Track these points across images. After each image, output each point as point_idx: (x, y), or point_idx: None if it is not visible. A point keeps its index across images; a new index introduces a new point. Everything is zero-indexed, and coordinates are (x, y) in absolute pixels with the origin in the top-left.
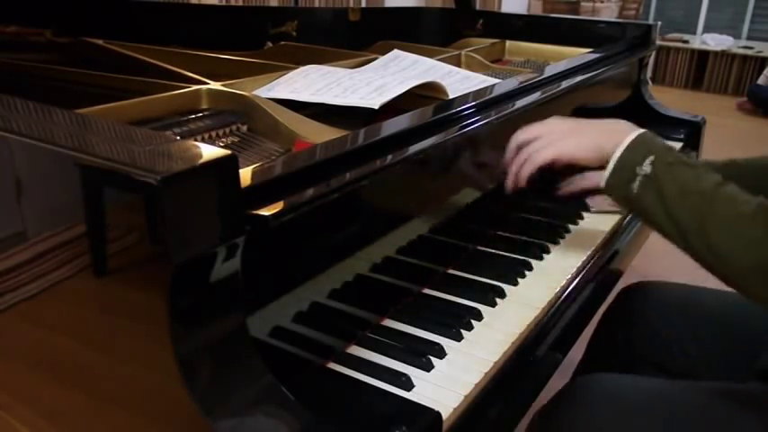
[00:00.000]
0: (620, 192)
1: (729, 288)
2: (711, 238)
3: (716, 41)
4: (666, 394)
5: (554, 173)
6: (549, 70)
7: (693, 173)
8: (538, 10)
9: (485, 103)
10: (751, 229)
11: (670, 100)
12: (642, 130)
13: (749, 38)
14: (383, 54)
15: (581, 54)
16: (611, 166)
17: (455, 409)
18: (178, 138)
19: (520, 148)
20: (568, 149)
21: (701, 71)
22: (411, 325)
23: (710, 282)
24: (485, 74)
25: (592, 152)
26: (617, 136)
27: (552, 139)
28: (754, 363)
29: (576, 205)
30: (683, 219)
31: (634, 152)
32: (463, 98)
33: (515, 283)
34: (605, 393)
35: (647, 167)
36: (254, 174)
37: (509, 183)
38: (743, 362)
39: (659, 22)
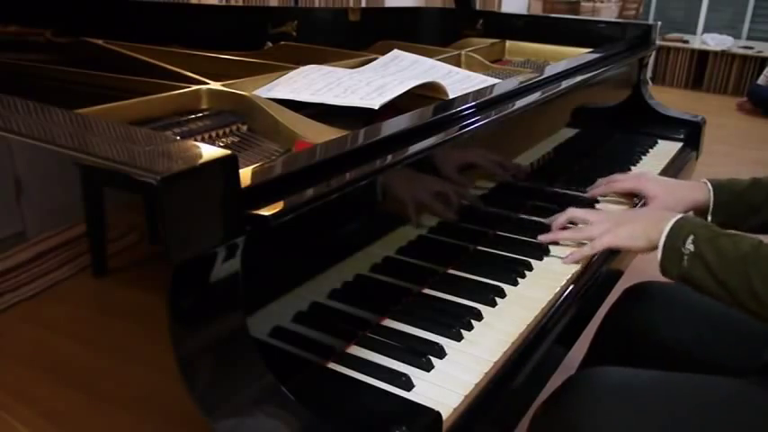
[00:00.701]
0: (674, 272)
1: None
2: (759, 294)
3: (716, 41)
4: (670, 385)
5: None
6: (549, 70)
7: (731, 241)
8: (538, 10)
9: (485, 103)
10: None
11: (670, 100)
12: (680, 215)
13: (749, 38)
14: (383, 54)
15: (581, 54)
16: (660, 251)
17: (455, 409)
18: (178, 138)
19: (570, 221)
20: (623, 240)
21: (701, 71)
22: (411, 325)
23: None
24: (485, 74)
25: (642, 241)
26: (660, 224)
27: (607, 228)
28: (755, 361)
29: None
30: (731, 283)
31: (677, 234)
32: (463, 98)
33: (515, 283)
34: (608, 384)
35: (690, 246)
36: (254, 174)
37: (546, 239)
38: (744, 361)
39: (659, 22)
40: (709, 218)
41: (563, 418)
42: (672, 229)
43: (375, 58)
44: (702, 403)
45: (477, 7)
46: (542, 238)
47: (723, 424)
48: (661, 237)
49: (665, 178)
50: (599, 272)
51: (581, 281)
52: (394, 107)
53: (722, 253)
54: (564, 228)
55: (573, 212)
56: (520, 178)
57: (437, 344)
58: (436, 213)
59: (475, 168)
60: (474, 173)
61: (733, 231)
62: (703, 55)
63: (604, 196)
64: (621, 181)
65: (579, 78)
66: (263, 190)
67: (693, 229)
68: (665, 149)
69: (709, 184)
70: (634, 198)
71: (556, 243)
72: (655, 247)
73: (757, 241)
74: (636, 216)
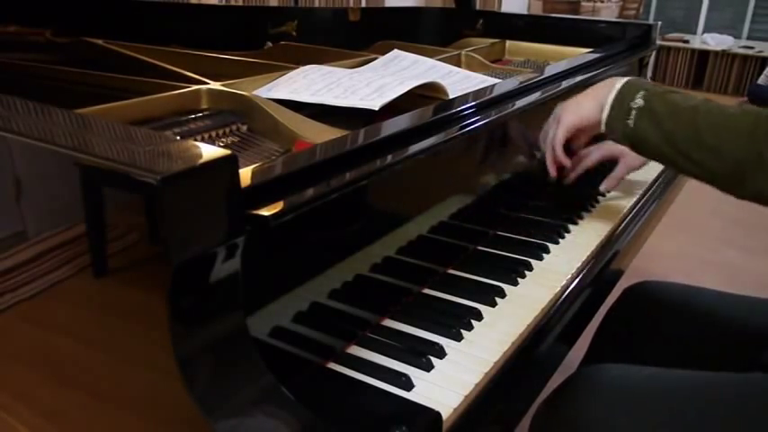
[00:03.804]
0: (618, 127)
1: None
2: (708, 141)
3: (716, 41)
4: (671, 381)
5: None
6: (549, 70)
7: (681, 96)
8: (538, 10)
9: (485, 103)
10: (741, 123)
11: None
12: (633, 77)
13: (749, 38)
14: (383, 54)
15: (581, 54)
16: (606, 106)
17: (455, 409)
18: (178, 138)
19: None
20: (572, 117)
21: (701, 71)
22: (411, 325)
23: (710, 282)
24: (485, 74)
25: (592, 109)
26: (610, 85)
27: (558, 118)
28: (755, 360)
29: (585, 196)
30: (679, 135)
31: (627, 92)
32: (463, 98)
33: (515, 283)
34: (610, 381)
35: (639, 101)
36: (254, 174)
37: (551, 170)
38: (744, 360)
39: (659, 22)
40: None
41: (564, 415)
42: (623, 86)
43: (375, 58)
44: (704, 399)
45: (477, 7)
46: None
47: (724, 420)
48: (610, 94)
49: None
50: (599, 272)
51: (581, 281)
52: (394, 107)
53: (673, 104)
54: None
55: (548, 143)
56: (520, 177)
57: (437, 344)
58: (436, 213)
59: (474, 168)
60: (473, 173)
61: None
62: (703, 55)
63: (579, 176)
64: (589, 156)
65: (579, 78)
66: (263, 190)
67: (644, 86)
68: None
69: None
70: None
71: (554, 239)
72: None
73: (706, 98)
74: (586, 91)
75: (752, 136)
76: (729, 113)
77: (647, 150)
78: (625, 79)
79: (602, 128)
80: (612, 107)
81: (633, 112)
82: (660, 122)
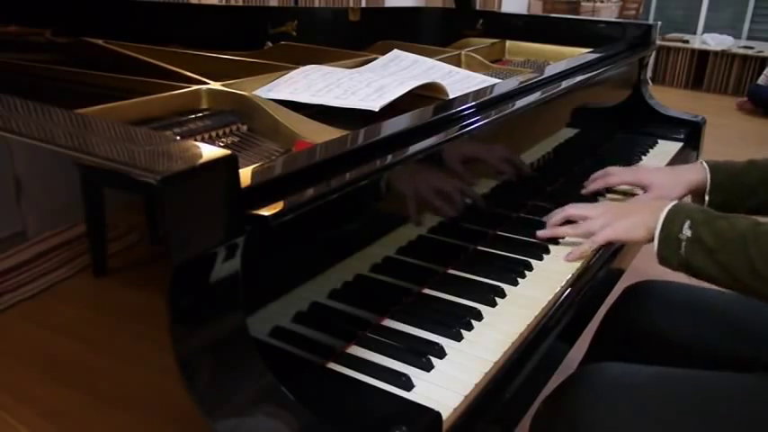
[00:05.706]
0: (672, 260)
1: None
2: (761, 272)
3: (716, 41)
4: (671, 380)
5: None
6: (549, 70)
7: (726, 222)
8: (538, 10)
9: (485, 103)
10: None
11: (670, 100)
12: (674, 202)
13: (749, 38)
14: (383, 54)
15: (581, 54)
16: (656, 240)
17: (455, 409)
18: (178, 138)
19: (567, 219)
20: (621, 233)
21: (701, 71)
22: (411, 325)
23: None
24: (485, 74)
25: (642, 231)
26: (657, 212)
27: (606, 222)
28: (756, 360)
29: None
30: (733, 266)
31: (672, 223)
32: (463, 98)
33: (515, 283)
34: (611, 380)
35: (687, 232)
36: (254, 174)
37: (544, 234)
38: (744, 359)
39: (659, 22)
40: (707, 198)
41: (565, 414)
42: (667, 216)
43: (375, 58)
44: (704, 398)
45: (478, 7)
46: (540, 233)
47: (725, 419)
48: (657, 225)
49: (661, 166)
50: (599, 272)
51: (581, 281)
52: (394, 107)
53: (720, 235)
54: (562, 224)
55: (570, 210)
56: (520, 178)
57: (437, 344)
58: (436, 213)
59: (475, 168)
60: (474, 173)
61: (727, 214)
62: (703, 55)
63: (599, 193)
64: (617, 175)
65: (579, 78)
66: (263, 190)
67: (689, 214)
68: (666, 149)
69: (705, 165)
70: (635, 189)
71: (554, 239)
72: (653, 235)
73: (753, 220)
74: (633, 207)
75: None
76: None
77: (703, 278)
78: (668, 207)
79: (658, 261)
80: (661, 241)
81: (683, 244)
82: (712, 253)
